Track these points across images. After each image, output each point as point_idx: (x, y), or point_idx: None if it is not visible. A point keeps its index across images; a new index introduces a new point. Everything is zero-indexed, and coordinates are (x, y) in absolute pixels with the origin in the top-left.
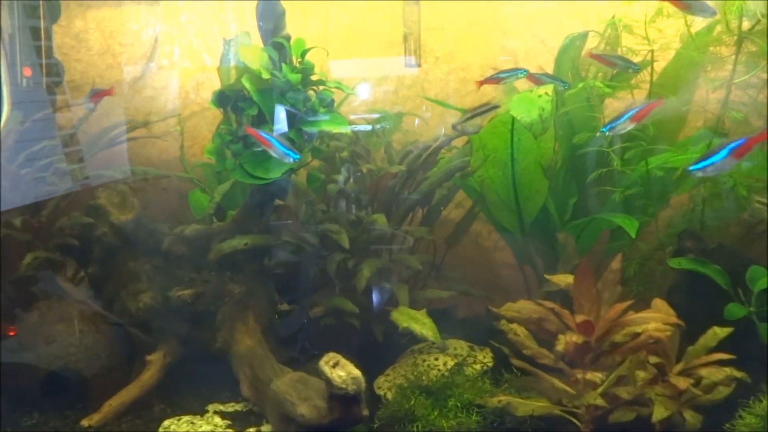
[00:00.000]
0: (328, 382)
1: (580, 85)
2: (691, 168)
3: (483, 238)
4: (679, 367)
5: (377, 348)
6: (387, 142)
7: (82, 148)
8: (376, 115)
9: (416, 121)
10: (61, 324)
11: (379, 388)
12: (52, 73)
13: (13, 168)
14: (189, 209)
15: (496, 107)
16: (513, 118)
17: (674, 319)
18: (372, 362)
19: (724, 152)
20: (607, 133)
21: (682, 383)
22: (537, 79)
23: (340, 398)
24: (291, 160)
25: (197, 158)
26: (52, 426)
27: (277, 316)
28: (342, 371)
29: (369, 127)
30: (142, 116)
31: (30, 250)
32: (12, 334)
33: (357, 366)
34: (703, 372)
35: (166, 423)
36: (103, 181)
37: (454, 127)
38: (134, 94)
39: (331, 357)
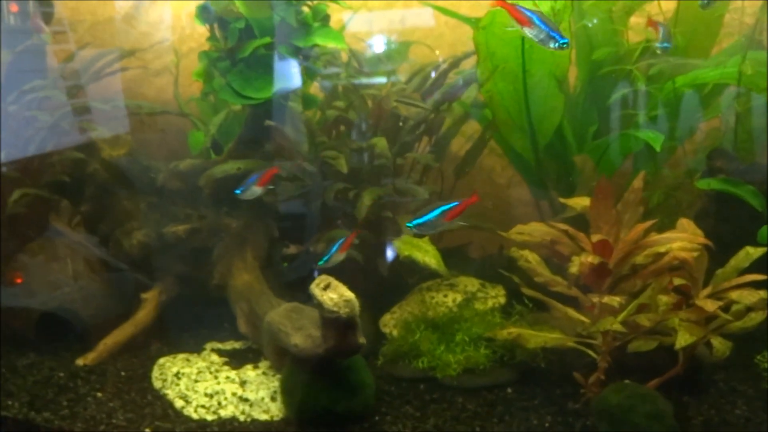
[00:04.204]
0: (320, 305)
1: None
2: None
3: (496, 174)
4: (706, 291)
5: (385, 288)
6: (391, 69)
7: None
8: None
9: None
10: (55, 264)
11: (385, 326)
12: (43, 10)
13: (3, 106)
14: (188, 150)
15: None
16: None
17: (702, 239)
18: (380, 302)
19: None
20: (413, 228)
21: (710, 305)
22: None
23: (333, 324)
24: (557, 45)
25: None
26: (47, 366)
27: (285, 263)
28: (334, 293)
29: (384, 80)
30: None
31: (18, 187)
32: (19, 281)
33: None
34: (734, 295)
35: (161, 361)
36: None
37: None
38: (128, 30)
39: (322, 279)
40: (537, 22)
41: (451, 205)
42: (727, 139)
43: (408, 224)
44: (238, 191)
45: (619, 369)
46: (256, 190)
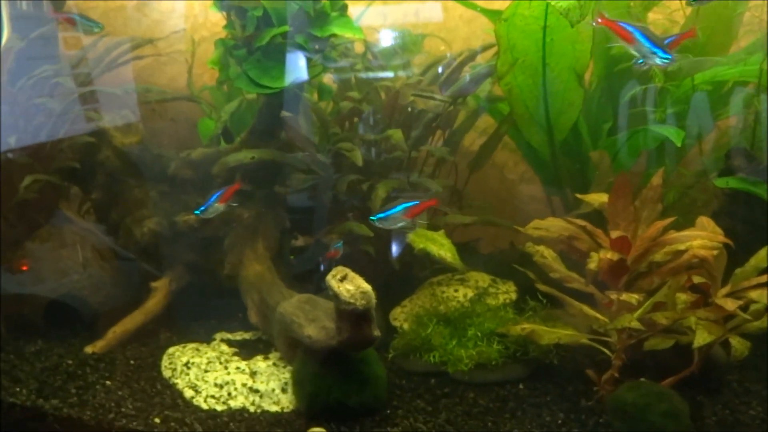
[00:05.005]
0: (336, 297)
1: None
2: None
3: (509, 170)
4: (725, 290)
5: (396, 281)
6: (406, 61)
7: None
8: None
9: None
10: (64, 251)
11: (395, 319)
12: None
13: (13, 91)
14: (197, 140)
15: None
16: (547, 10)
17: (721, 238)
18: (389, 294)
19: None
20: (375, 222)
21: (730, 304)
22: None
23: (348, 316)
24: (661, 62)
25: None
26: (56, 353)
27: (292, 256)
28: (350, 285)
29: (398, 72)
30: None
31: (29, 172)
32: (25, 268)
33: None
34: (754, 294)
35: (171, 350)
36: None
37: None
38: (140, 18)
39: (338, 270)
40: (640, 37)
41: (412, 203)
42: (744, 138)
43: (371, 218)
44: (197, 211)
45: (631, 367)
46: (219, 207)
